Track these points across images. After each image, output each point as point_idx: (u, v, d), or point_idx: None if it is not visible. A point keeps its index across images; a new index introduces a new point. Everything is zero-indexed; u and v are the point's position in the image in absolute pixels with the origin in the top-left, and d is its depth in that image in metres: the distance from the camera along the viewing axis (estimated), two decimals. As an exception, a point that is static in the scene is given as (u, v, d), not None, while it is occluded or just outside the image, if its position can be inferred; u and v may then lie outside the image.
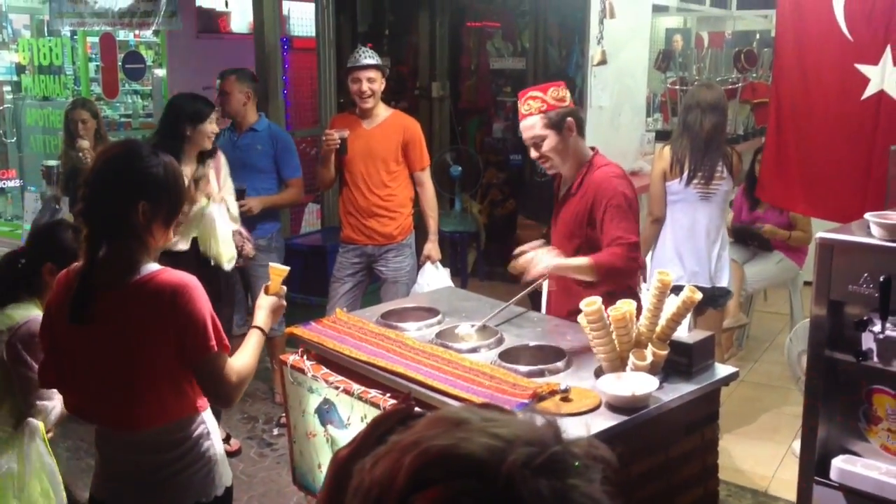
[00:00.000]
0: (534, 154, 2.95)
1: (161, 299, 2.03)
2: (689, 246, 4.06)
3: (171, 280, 2.06)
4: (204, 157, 3.88)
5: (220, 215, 3.77)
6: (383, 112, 4.30)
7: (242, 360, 2.20)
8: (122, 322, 2.06)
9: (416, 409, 0.89)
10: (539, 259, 2.79)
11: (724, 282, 4.10)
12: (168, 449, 2.16)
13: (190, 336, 2.04)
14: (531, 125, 2.90)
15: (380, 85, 4.20)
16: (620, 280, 2.84)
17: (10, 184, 8.30)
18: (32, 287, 2.71)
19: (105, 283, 2.06)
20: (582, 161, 2.96)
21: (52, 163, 4.93)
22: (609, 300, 2.47)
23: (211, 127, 3.84)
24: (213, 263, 3.82)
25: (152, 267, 2.10)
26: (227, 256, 3.85)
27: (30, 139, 7.90)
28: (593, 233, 2.88)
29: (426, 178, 4.38)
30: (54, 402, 2.70)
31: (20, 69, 8.08)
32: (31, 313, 2.65)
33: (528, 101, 2.92)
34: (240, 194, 4.24)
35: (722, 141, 4.02)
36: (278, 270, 2.44)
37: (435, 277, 4.16)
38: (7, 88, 8.29)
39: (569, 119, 2.89)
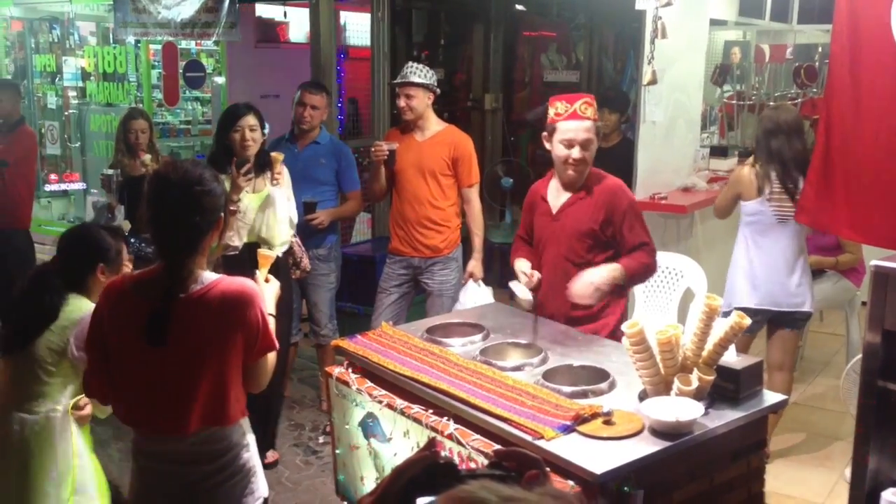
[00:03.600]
0: (577, 154, 3.09)
1: (229, 307, 2.15)
2: (764, 269, 4.01)
3: (236, 288, 2.18)
4: (261, 164, 3.81)
5: (280, 197, 3.75)
6: (435, 126, 4.34)
7: None
8: (191, 331, 2.14)
9: (441, 455, 0.89)
10: (584, 287, 3.03)
11: (805, 306, 4.02)
12: (210, 460, 2.20)
13: (260, 339, 2.20)
14: (589, 128, 3.09)
15: (419, 101, 4.22)
16: (642, 281, 3.32)
17: (74, 186, 8.56)
18: (81, 289, 2.79)
19: (167, 301, 2.13)
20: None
21: (111, 171, 5.05)
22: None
23: (237, 135, 3.74)
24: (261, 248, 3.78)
25: (210, 276, 2.20)
26: (281, 239, 3.81)
27: (93, 144, 8.13)
28: (602, 234, 3.13)
29: (474, 195, 4.39)
30: None
31: (85, 76, 8.33)
32: (85, 309, 2.70)
33: (586, 105, 3.08)
34: (310, 207, 4.34)
35: (808, 163, 3.96)
36: (267, 257, 2.57)
37: (477, 295, 4.15)
38: (73, 94, 8.55)
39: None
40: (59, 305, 2.74)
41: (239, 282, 2.22)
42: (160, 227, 2.19)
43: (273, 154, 3.83)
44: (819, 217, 3.39)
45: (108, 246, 2.83)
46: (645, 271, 3.15)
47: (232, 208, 3.65)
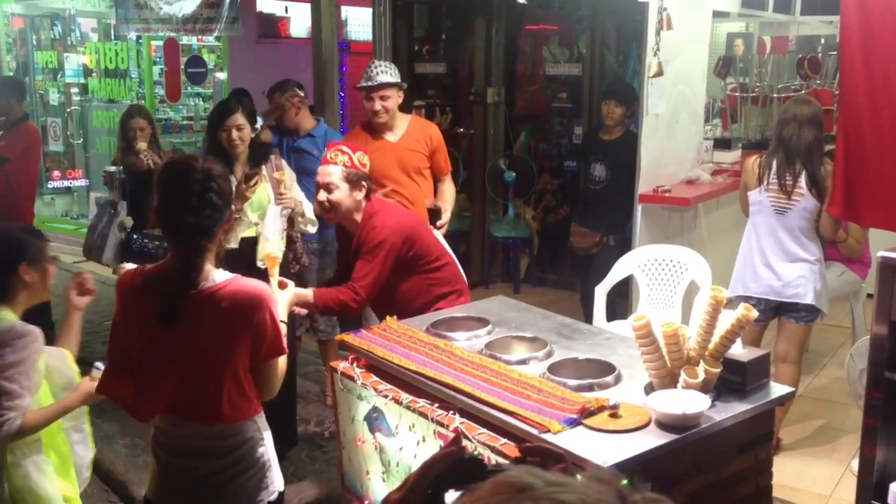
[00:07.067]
0: (321, 196, 3.26)
1: (239, 308, 2.14)
2: (759, 258, 4.04)
3: (250, 290, 2.17)
4: (256, 157, 3.82)
5: (272, 214, 3.72)
6: (402, 122, 4.26)
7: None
8: (201, 325, 2.14)
9: (468, 450, 0.88)
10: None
11: (806, 298, 3.99)
12: (224, 454, 2.21)
13: (268, 342, 2.18)
14: (331, 172, 3.23)
15: (394, 101, 4.13)
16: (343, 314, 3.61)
17: (77, 184, 8.57)
18: (6, 295, 2.55)
19: (183, 288, 2.14)
20: (361, 217, 3.29)
21: (113, 168, 5.05)
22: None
23: (224, 135, 3.70)
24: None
25: (224, 274, 2.19)
26: (260, 254, 3.70)
27: (96, 141, 8.13)
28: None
29: (450, 182, 4.43)
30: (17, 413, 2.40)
31: (87, 72, 8.33)
32: (5, 322, 2.50)
33: (337, 152, 3.27)
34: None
35: (817, 156, 3.93)
36: (274, 258, 2.46)
37: None
38: (75, 90, 8.55)
39: (363, 182, 3.26)
40: None
41: (252, 283, 2.21)
42: (176, 211, 2.14)
43: (276, 175, 3.75)
44: (847, 208, 3.38)
45: (28, 243, 2.61)
46: (339, 309, 3.24)
47: (236, 216, 3.64)
